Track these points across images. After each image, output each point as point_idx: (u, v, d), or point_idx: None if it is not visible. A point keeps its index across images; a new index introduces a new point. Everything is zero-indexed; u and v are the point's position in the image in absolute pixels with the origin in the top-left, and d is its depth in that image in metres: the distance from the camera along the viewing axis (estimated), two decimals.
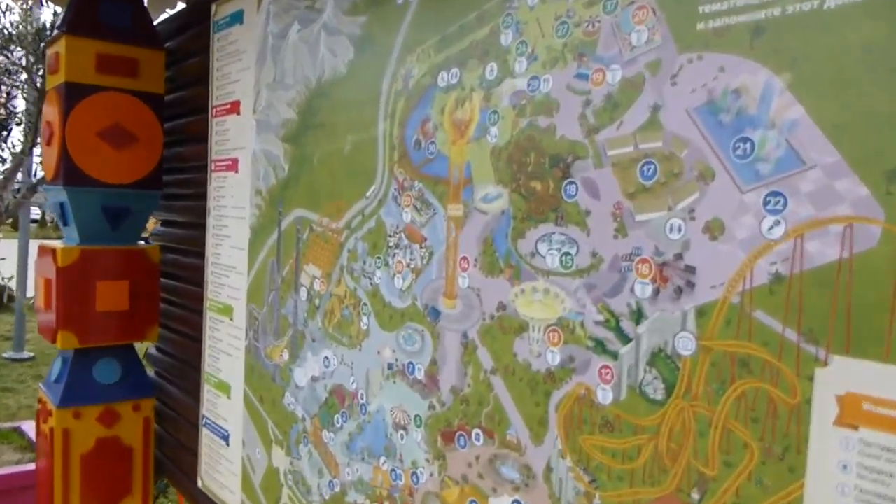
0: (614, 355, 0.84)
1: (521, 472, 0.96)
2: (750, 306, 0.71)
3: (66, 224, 2.05)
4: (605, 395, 0.85)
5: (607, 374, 0.84)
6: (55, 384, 2.05)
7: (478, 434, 1.03)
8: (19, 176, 2.79)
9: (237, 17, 1.70)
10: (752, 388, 0.71)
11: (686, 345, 0.76)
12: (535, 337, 0.94)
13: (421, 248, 1.13)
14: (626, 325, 0.82)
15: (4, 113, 2.68)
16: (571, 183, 0.89)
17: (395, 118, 1.18)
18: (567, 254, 0.89)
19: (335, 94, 1.34)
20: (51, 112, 2.02)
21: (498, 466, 0.99)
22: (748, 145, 0.71)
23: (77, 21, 1.94)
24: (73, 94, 1.93)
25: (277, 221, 1.52)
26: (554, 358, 0.91)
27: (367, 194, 1.25)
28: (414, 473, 1.15)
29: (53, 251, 1.98)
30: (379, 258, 1.22)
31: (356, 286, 1.28)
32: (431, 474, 1.12)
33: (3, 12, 2.73)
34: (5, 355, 8.07)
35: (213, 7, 1.81)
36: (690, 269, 0.76)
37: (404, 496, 1.17)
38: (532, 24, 0.94)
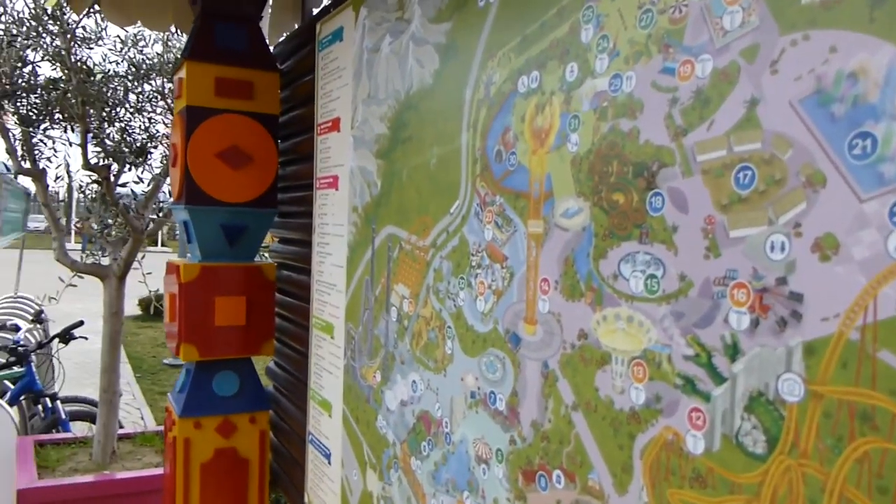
0: (706, 397, 0.71)
1: None
2: (873, 345, 0.56)
3: (189, 241, 2.15)
4: (696, 444, 0.72)
5: (698, 418, 0.71)
6: (179, 394, 2.14)
7: (559, 476, 0.92)
8: (161, 196, 2.99)
9: (338, 35, 1.69)
10: (877, 448, 0.56)
11: (792, 389, 0.62)
12: (618, 370, 0.82)
13: (502, 268, 1.04)
14: (720, 361, 0.69)
15: (147, 137, 2.89)
16: (657, 194, 0.77)
17: (477, 128, 1.11)
18: (652, 276, 0.77)
19: (422, 105, 1.28)
20: (175, 135, 2.12)
21: None
22: (868, 142, 0.57)
23: (197, 47, 2.03)
24: (194, 118, 2.02)
25: (371, 239, 1.49)
26: (639, 396, 0.79)
27: (451, 210, 1.18)
28: None
29: (178, 267, 2.07)
30: (462, 278, 1.14)
31: (441, 307, 1.21)
32: None
33: (148, 45, 2.94)
34: (165, 361, 8.77)
35: (318, 26, 1.83)
36: (796, 297, 0.62)
37: None
38: (613, 15, 0.84)
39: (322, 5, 2.08)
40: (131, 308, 11.02)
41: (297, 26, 2.46)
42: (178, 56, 2.87)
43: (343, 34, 1.66)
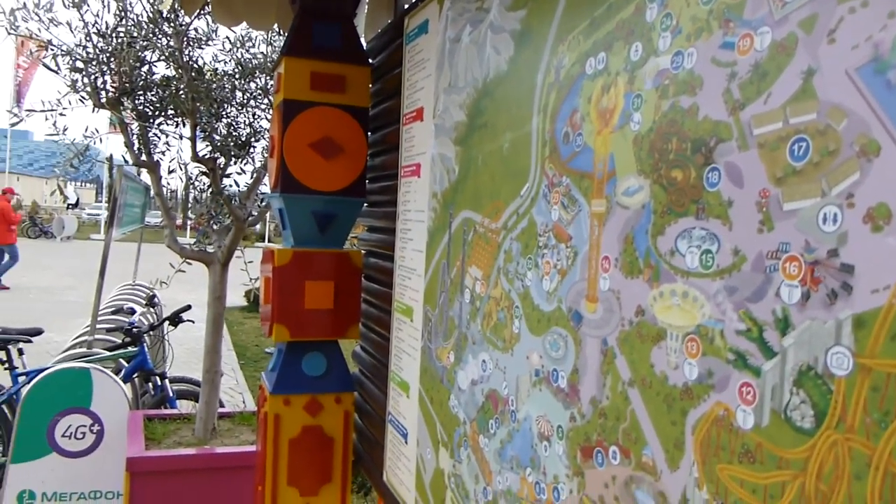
0: (756, 371, 0.70)
1: (655, 500, 0.84)
2: None
3: (283, 228, 2.27)
4: (745, 419, 0.71)
5: (748, 393, 0.71)
6: (271, 373, 2.27)
7: (615, 452, 0.93)
8: (261, 188, 3.16)
9: (423, 28, 1.75)
10: None
11: (840, 362, 0.61)
12: (672, 346, 0.82)
13: (566, 247, 1.06)
14: (771, 335, 0.69)
15: (250, 132, 3.06)
16: (714, 169, 0.77)
17: (547, 112, 1.13)
18: (707, 251, 0.77)
19: (497, 92, 1.31)
20: (274, 127, 2.25)
21: (633, 490, 0.89)
22: None
23: (294, 44, 2.14)
24: (290, 111, 2.13)
25: (448, 223, 1.53)
26: (692, 371, 0.79)
27: (522, 193, 1.20)
28: (555, 489, 1.07)
29: (272, 252, 2.19)
30: (530, 258, 1.17)
31: (510, 288, 1.24)
32: (571, 491, 1.03)
33: (255, 45, 3.11)
34: (267, 350, 9.17)
35: (406, 20, 1.89)
36: (847, 269, 0.61)
37: None
38: None
39: (412, 1, 2.15)
40: (237, 298, 11.62)
41: (390, 21, 2.54)
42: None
43: (428, 27, 1.72)
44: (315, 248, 2.20)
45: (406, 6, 2.18)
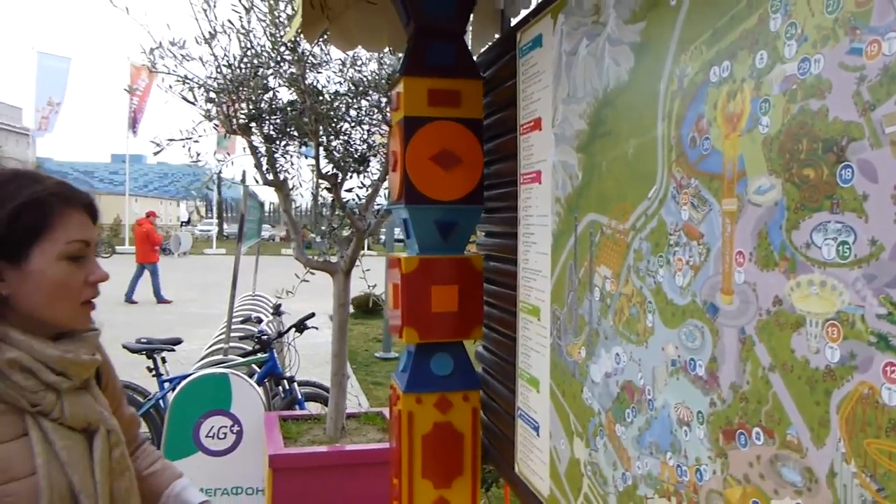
0: None
1: (802, 475, 0.91)
2: None
3: (408, 237, 2.42)
4: (891, 396, 0.77)
5: (893, 371, 0.77)
6: (402, 373, 2.42)
7: (758, 433, 0.99)
8: (381, 200, 3.35)
9: (537, 42, 1.85)
10: None
11: None
12: (813, 332, 0.88)
13: (698, 244, 1.13)
14: None
15: (366, 147, 3.25)
16: (847, 167, 0.83)
17: (671, 118, 1.20)
18: (844, 243, 0.83)
19: (618, 101, 1.40)
20: (395, 143, 2.41)
21: (779, 468, 0.95)
22: None
23: (411, 64, 2.29)
24: (410, 127, 2.28)
25: (573, 226, 1.62)
26: (833, 354, 0.85)
27: (649, 195, 1.28)
28: (698, 470, 1.15)
29: (399, 260, 2.35)
30: (661, 256, 1.24)
31: (642, 284, 1.32)
32: (714, 472, 1.10)
33: (365, 64, 3.31)
34: (376, 355, 9.48)
35: (518, 34, 2.00)
36: None
37: (689, 493, 1.17)
38: (800, 4, 0.90)
39: (521, 16, 2.25)
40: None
41: (496, 36, 2.65)
42: (391, 73, 3.20)
43: (542, 40, 1.82)
44: (439, 255, 2.34)
45: (515, 21, 2.29)
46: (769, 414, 0.97)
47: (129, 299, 13.34)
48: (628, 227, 1.36)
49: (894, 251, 0.76)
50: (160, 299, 13.66)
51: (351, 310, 12.35)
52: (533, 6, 2.13)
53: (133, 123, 28.41)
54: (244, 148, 3.21)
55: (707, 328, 1.11)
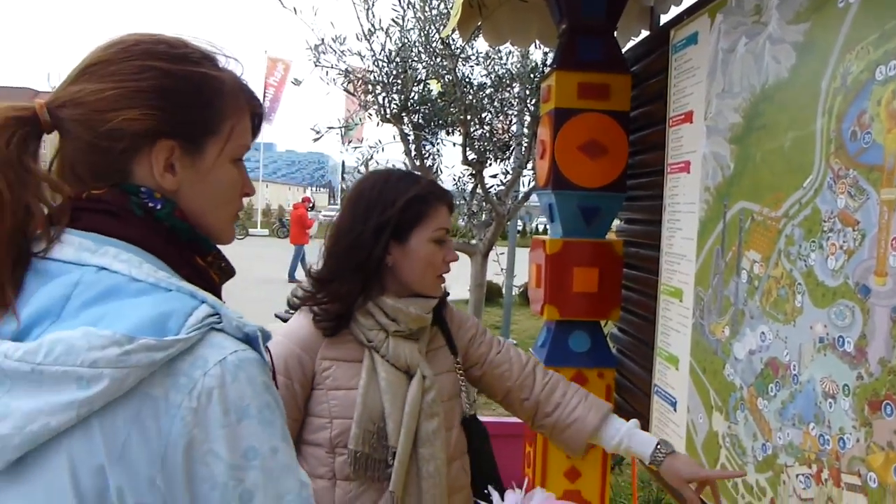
0: None
1: None
2: None
3: (552, 221, 2.58)
4: None
5: None
6: (541, 348, 2.59)
7: None
8: (518, 187, 3.52)
9: (692, 39, 1.95)
10: None
11: None
12: None
13: (854, 230, 1.22)
14: None
15: (507, 137, 3.43)
16: None
17: (832, 114, 1.30)
18: None
19: (777, 97, 1.49)
20: (544, 133, 2.57)
21: None
22: None
23: (563, 59, 2.44)
24: (560, 118, 2.43)
25: (723, 213, 1.73)
26: None
27: (804, 185, 1.38)
28: (841, 439, 1.25)
29: (543, 242, 2.51)
30: (814, 241, 1.34)
31: (792, 268, 1.41)
32: (857, 440, 1.20)
33: (507, 58, 3.49)
34: (498, 339, 9.64)
35: (672, 32, 2.10)
36: None
37: (831, 460, 1.27)
38: None
39: (673, 14, 2.34)
40: (463, 292, 12.38)
41: (643, 32, 2.75)
42: (534, 66, 3.36)
43: (698, 38, 1.92)
44: (581, 239, 2.48)
45: (665, 18, 2.38)
46: None
47: (291, 279, 14.19)
48: (780, 215, 1.46)
49: None
50: (291, 278, 14.47)
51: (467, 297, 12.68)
52: (685, 4, 2.23)
53: (269, 113, 30.08)
54: (394, 136, 3.47)
55: (858, 308, 1.20)
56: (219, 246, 0.89)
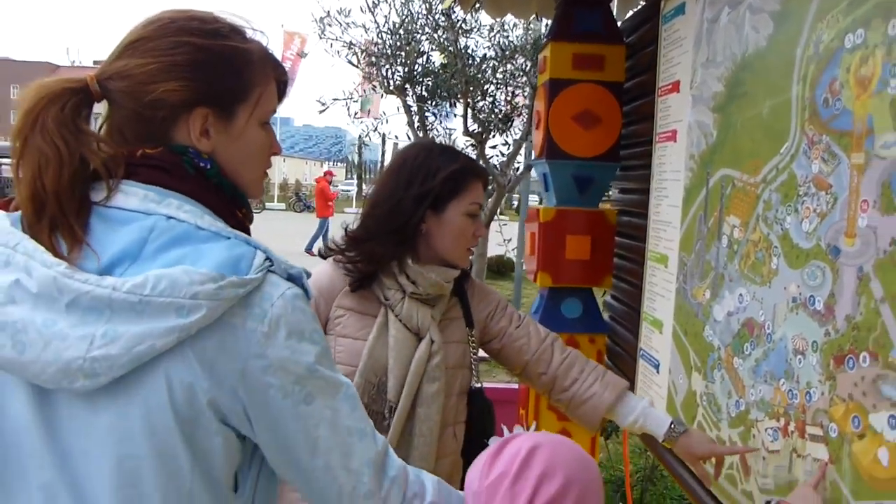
0: None
1: None
2: None
3: (546, 190, 2.63)
4: None
5: None
6: (534, 314, 2.66)
7: (865, 357, 1.15)
8: (520, 158, 3.56)
9: (680, 10, 1.98)
10: None
11: None
12: None
13: (826, 194, 1.27)
14: None
15: (510, 108, 3.46)
16: None
17: (806, 81, 1.34)
18: None
19: (756, 65, 1.53)
20: (539, 103, 2.61)
21: (879, 385, 1.11)
22: None
23: (559, 30, 2.47)
24: (555, 88, 2.47)
25: (706, 180, 1.77)
26: None
27: (781, 151, 1.42)
28: (808, 393, 1.31)
29: (538, 211, 2.57)
30: (789, 206, 1.39)
31: (769, 231, 1.47)
32: (822, 393, 1.26)
33: (511, 30, 3.50)
34: None
35: (662, 3, 2.13)
36: None
37: (798, 413, 1.34)
38: None
39: None
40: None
41: (642, 2, 2.77)
42: (536, 38, 3.38)
43: (685, 8, 1.95)
44: (575, 207, 2.53)
45: None
46: (876, 340, 1.12)
47: (308, 250, 14.15)
48: (759, 181, 1.51)
49: None
50: (308, 250, 14.42)
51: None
52: None
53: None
54: (398, 108, 3.51)
55: (829, 268, 1.26)
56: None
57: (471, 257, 1.83)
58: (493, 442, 1.08)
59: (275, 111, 1.01)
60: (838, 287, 1.23)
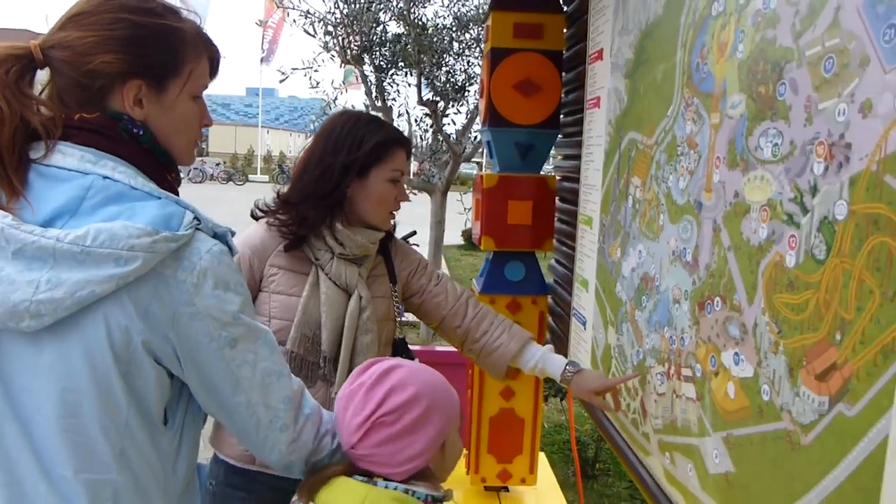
0: (798, 225, 1.00)
1: (739, 330, 1.16)
2: (882, 172, 0.83)
3: (490, 157, 2.71)
4: (790, 260, 1.02)
5: (793, 241, 1.01)
6: (480, 277, 2.76)
7: (718, 301, 1.25)
8: (475, 127, 3.64)
9: None
10: (878, 242, 0.83)
11: (841, 210, 0.90)
12: (753, 216, 1.13)
13: (694, 153, 1.36)
14: (807, 199, 0.98)
15: (466, 77, 3.53)
16: (782, 84, 1.05)
17: (686, 47, 1.42)
18: (776, 144, 1.06)
19: (655, 32, 1.61)
20: (483, 72, 2.68)
21: (727, 326, 1.21)
22: (892, 31, 0.82)
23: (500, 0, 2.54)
24: (496, 57, 2.54)
25: (618, 144, 1.86)
26: (763, 232, 1.09)
27: (668, 113, 1.51)
28: (681, 338, 1.41)
29: (481, 177, 2.65)
30: (671, 165, 1.48)
31: (658, 190, 1.56)
32: (691, 338, 1.37)
33: (460, 1, 3.56)
34: None
35: None
36: (848, 146, 0.89)
37: (676, 358, 1.44)
38: None
39: None
40: (455, 237, 12.53)
41: None
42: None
43: None
44: (517, 174, 2.62)
45: None
46: (725, 285, 1.22)
47: None
48: (653, 143, 1.60)
49: (802, 148, 0.99)
50: None
51: (461, 241, 12.85)
52: None
53: (267, 56, 29.62)
54: (355, 77, 3.58)
55: (695, 221, 1.36)
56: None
57: (421, 226, 1.93)
58: None
59: (206, 86, 1.10)
60: (701, 239, 1.33)
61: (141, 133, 1.01)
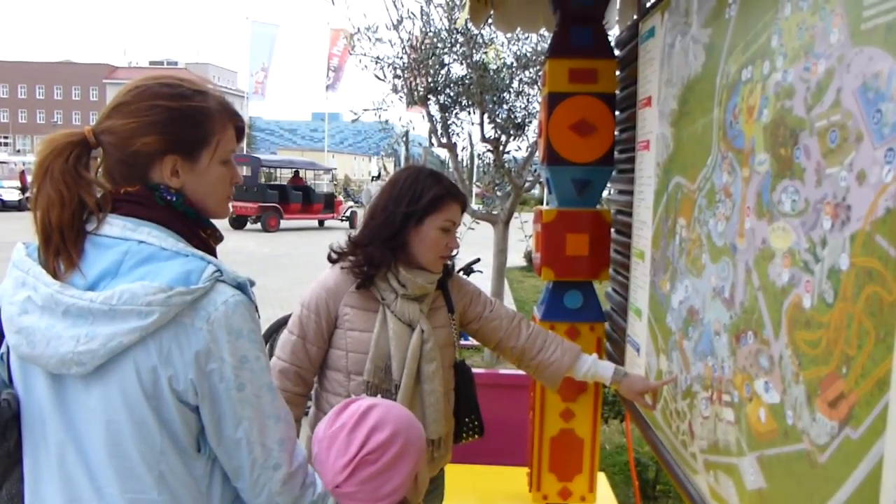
0: (812, 272, 1.16)
1: (768, 361, 1.32)
2: (874, 233, 0.99)
3: (549, 192, 2.90)
4: (807, 302, 1.17)
5: (808, 286, 1.17)
6: (540, 305, 2.94)
7: (751, 335, 1.40)
8: (536, 160, 3.82)
9: (651, 32, 2.23)
10: (873, 291, 0.99)
11: (844, 262, 1.06)
12: (777, 262, 1.28)
13: (729, 201, 1.53)
14: (818, 250, 1.14)
15: (525, 115, 3.73)
16: (798, 148, 1.21)
17: (722, 105, 1.59)
18: (794, 200, 1.22)
19: (695, 88, 1.78)
20: (542, 114, 2.88)
21: (758, 358, 1.36)
22: (879, 114, 0.98)
23: (556, 47, 2.74)
24: (553, 101, 2.73)
25: (666, 185, 2.03)
26: (785, 276, 1.25)
27: (708, 163, 1.67)
28: (722, 367, 1.56)
29: (541, 212, 2.84)
30: (710, 210, 1.64)
31: (700, 231, 1.72)
32: (729, 367, 1.52)
33: (528, 39, 3.76)
34: None
35: (640, 24, 2.37)
36: (848, 208, 1.05)
37: (717, 385, 1.59)
38: (787, 30, 1.27)
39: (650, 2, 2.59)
40: (518, 259, 12.66)
41: (635, 17, 3.00)
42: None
43: (655, 31, 2.19)
44: (574, 208, 2.80)
45: (643, 11, 2.64)
46: (756, 321, 1.38)
47: None
48: (695, 188, 1.76)
49: (814, 206, 1.15)
50: None
51: (524, 263, 12.98)
52: None
53: (333, 83, 30.46)
54: (422, 115, 3.83)
55: (731, 262, 1.51)
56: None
57: (485, 249, 2.14)
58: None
59: (234, 150, 1.26)
60: (736, 278, 1.48)
61: (174, 199, 1.18)
